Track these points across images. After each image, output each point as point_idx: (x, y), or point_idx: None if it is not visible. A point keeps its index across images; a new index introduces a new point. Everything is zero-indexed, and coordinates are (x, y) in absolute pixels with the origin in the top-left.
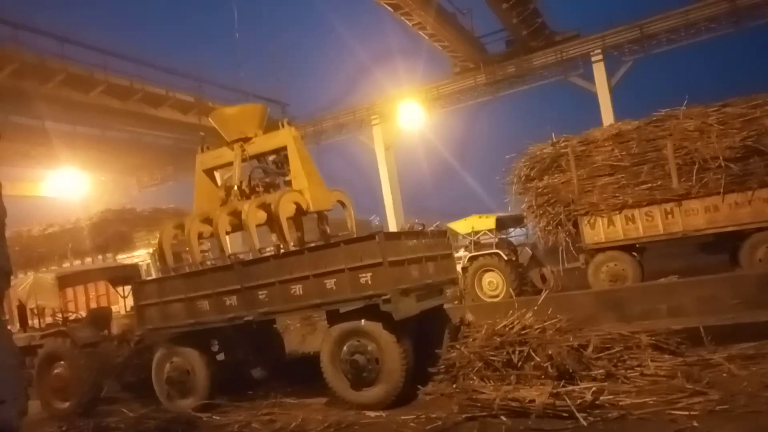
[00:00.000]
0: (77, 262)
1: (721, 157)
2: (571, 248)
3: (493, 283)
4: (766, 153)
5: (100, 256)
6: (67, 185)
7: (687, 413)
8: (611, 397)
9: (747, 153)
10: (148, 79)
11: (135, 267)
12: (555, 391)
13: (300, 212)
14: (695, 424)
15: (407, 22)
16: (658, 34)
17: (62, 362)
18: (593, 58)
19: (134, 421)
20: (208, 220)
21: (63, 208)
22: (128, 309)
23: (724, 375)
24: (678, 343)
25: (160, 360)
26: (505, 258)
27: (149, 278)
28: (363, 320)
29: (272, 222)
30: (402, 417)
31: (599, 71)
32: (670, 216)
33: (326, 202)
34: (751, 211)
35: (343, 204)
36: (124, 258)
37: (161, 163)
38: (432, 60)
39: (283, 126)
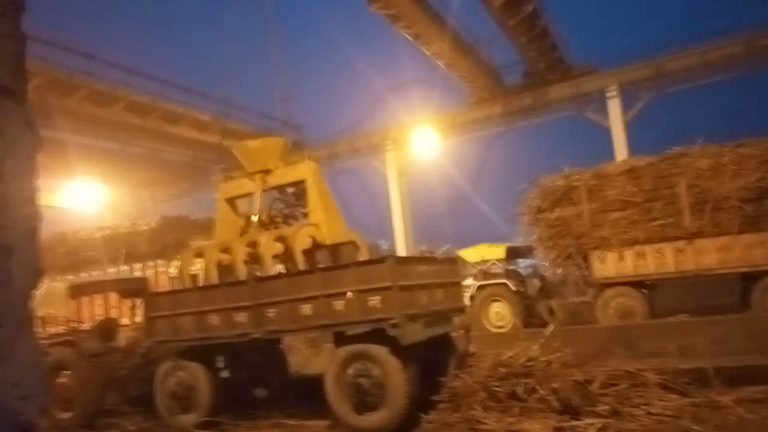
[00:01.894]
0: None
1: (734, 198)
2: (580, 282)
3: (500, 314)
4: None
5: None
6: (83, 196)
7: None
8: None
9: (761, 194)
10: (167, 97)
11: (146, 280)
12: (559, 425)
13: (316, 246)
14: None
15: (425, 50)
16: (675, 73)
17: (67, 372)
18: (608, 94)
19: None
20: (227, 250)
21: (77, 218)
22: (136, 322)
23: (732, 418)
24: (686, 383)
25: (165, 374)
26: (513, 288)
27: (161, 290)
28: (370, 344)
29: (288, 254)
30: None
31: (614, 107)
32: (681, 254)
33: (342, 236)
34: (763, 252)
35: (356, 246)
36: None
37: (177, 179)
38: (447, 88)
39: (304, 160)
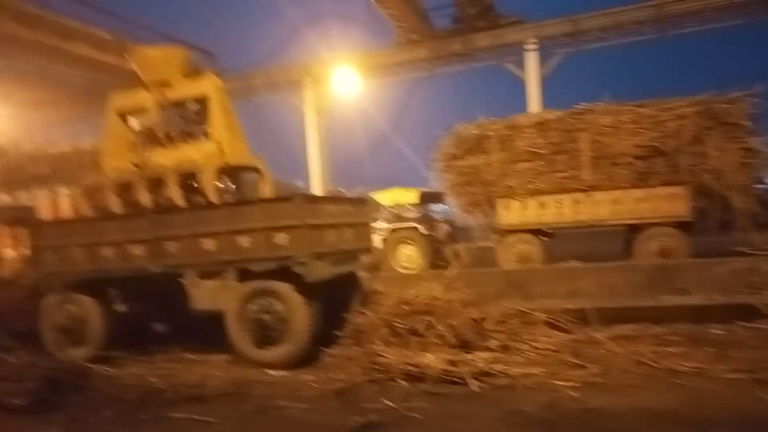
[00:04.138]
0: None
1: (629, 154)
2: (486, 228)
3: (410, 256)
4: (668, 154)
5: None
6: None
7: (567, 384)
8: (503, 366)
9: (652, 153)
10: (61, 9)
11: (30, 208)
12: (452, 358)
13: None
14: (573, 393)
15: None
16: (590, 31)
17: None
18: (527, 47)
19: (19, 369)
20: (123, 184)
21: None
22: (21, 252)
23: (604, 351)
24: (569, 321)
25: (52, 306)
26: (424, 232)
27: (50, 219)
28: (274, 280)
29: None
30: (304, 376)
31: (531, 59)
32: (578, 205)
33: (245, 158)
34: (649, 206)
35: (260, 173)
36: None
37: (72, 101)
38: (371, 28)
39: (206, 75)
